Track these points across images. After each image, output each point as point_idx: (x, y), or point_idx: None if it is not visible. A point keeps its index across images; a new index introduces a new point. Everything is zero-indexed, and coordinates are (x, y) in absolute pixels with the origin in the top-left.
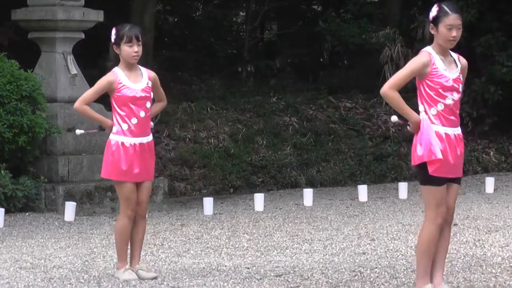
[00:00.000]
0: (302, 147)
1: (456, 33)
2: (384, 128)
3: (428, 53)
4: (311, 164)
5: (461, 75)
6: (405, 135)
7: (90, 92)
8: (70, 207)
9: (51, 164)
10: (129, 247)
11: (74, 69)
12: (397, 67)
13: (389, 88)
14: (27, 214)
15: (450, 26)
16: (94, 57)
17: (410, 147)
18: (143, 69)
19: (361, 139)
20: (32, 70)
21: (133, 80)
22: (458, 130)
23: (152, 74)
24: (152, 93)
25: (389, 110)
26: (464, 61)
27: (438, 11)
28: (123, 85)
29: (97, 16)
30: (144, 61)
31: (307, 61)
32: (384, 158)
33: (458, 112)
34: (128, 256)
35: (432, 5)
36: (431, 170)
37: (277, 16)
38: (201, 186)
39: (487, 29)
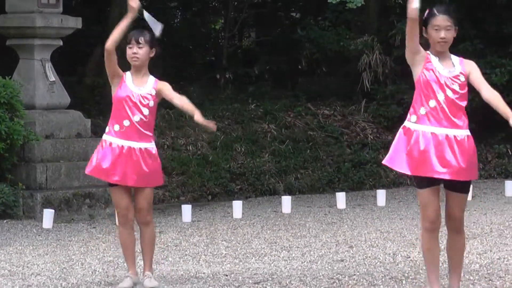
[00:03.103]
0: (281, 154)
1: (444, 34)
2: (362, 135)
3: (426, 52)
4: (290, 171)
5: (461, 76)
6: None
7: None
8: (48, 214)
9: (29, 171)
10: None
11: (52, 76)
12: (375, 74)
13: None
14: (5, 221)
15: (437, 26)
16: (73, 64)
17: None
18: (152, 78)
19: (339, 146)
20: (10, 77)
21: (136, 84)
22: (453, 132)
23: (160, 84)
24: (152, 101)
25: (367, 117)
26: (469, 64)
27: (427, 13)
28: (124, 83)
29: (75, 23)
30: (122, 68)
31: (285, 68)
32: (362, 165)
33: (457, 114)
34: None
35: None
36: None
37: (256, 23)
38: (179, 193)
39: (465, 36)
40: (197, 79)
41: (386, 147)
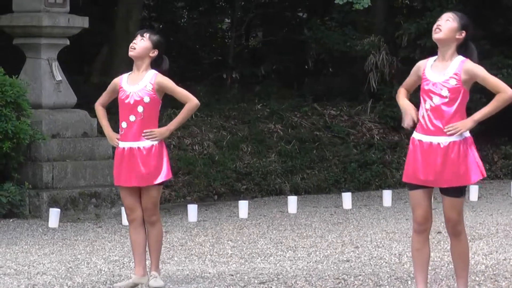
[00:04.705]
0: (287, 154)
1: (440, 22)
2: (369, 136)
3: (426, 59)
4: (296, 172)
5: (451, 80)
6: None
7: (104, 93)
8: (54, 214)
9: (35, 170)
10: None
11: (59, 76)
12: (382, 75)
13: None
14: (11, 220)
15: (440, 19)
16: (79, 64)
17: (394, 154)
18: (151, 73)
19: (346, 147)
20: (17, 76)
21: (131, 82)
22: (438, 139)
23: (160, 78)
24: (147, 97)
25: (374, 118)
26: (470, 69)
27: None
28: (121, 87)
29: (82, 22)
30: (129, 67)
31: (292, 68)
32: (368, 166)
33: (443, 119)
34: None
35: (417, 13)
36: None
37: (262, 23)
38: (185, 193)
39: (471, 37)
40: (204, 78)
41: (392, 147)
